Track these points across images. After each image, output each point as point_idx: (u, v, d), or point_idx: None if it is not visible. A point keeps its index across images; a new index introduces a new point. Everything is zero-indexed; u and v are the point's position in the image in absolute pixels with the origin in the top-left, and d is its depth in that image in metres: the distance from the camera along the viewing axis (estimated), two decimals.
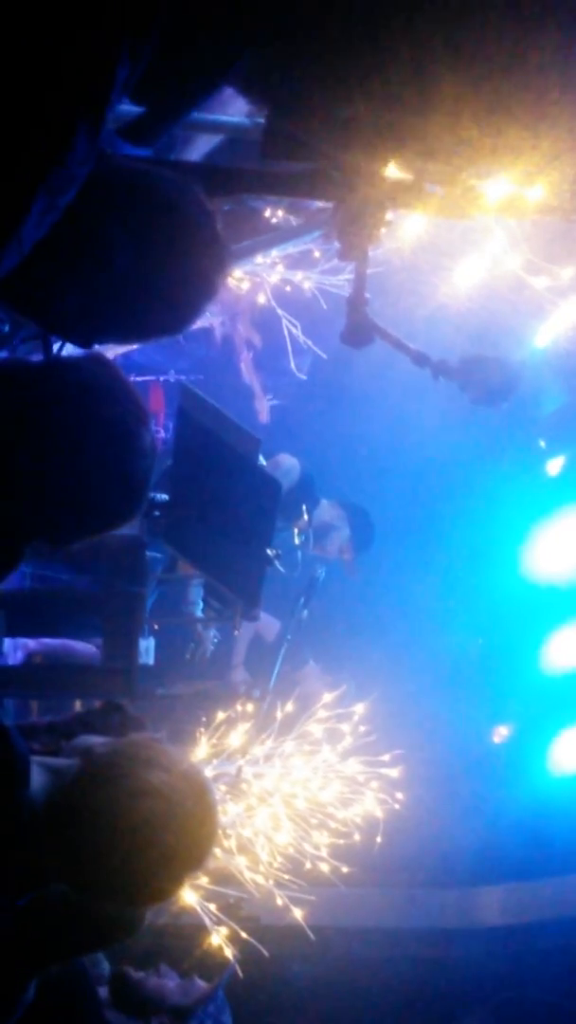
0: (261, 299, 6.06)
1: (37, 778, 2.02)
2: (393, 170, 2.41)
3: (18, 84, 1.44)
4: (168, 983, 3.25)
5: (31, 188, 1.51)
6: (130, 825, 2.01)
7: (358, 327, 2.64)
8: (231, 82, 1.90)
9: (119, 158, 1.93)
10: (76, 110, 1.52)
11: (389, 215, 2.57)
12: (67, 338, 2.15)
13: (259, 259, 5.56)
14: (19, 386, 2.02)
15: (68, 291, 1.93)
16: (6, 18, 1.42)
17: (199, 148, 3.42)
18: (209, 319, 6.07)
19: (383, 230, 2.59)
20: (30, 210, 1.51)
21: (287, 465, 5.82)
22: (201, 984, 3.27)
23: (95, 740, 2.17)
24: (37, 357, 2.29)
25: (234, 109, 2.89)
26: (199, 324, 2.57)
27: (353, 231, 2.55)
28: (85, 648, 4.99)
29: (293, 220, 5.00)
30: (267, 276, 5.96)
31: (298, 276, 5.90)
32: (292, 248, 5.39)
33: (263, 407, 6.56)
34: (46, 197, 1.53)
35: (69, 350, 2.21)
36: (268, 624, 5.89)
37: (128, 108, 1.86)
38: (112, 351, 5.25)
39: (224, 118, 2.95)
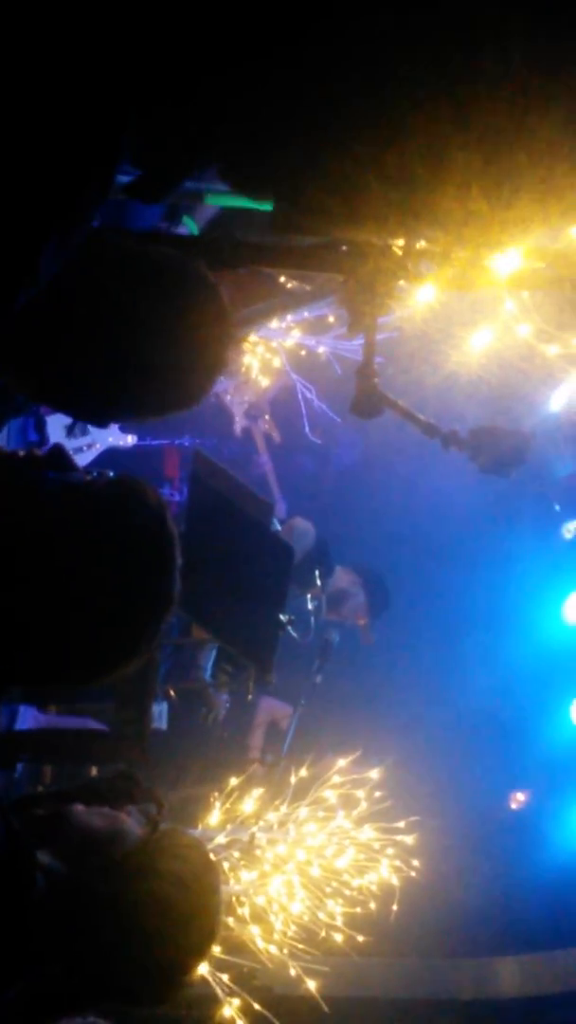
0: (276, 362, 6.10)
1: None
2: (402, 243, 2.44)
3: (42, 137, 1.57)
4: None
5: (46, 224, 1.62)
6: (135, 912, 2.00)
7: (367, 398, 2.65)
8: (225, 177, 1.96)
9: (124, 237, 1.96)
10: (88, 158, 1.64)
11: (400, 285, 2.58)
12: (80, 418, 2.16)
13: (274, 324, 5.61)
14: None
15: (80, 372, 1.94)
16: (37, 77, 1.55)
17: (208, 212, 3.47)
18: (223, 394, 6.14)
19: (393, 301, 2.60)
20: (47, 241, 1.62)
21: (301, 529, 5.80)
22: None
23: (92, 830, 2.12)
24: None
25: None
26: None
27: (363, 301, 2.56)
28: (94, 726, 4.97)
29: (307, 286, 5.04)
30: (281, 341, 6.00)
31: (312, 341, 5.93)
32: (307, 313, 5.43)
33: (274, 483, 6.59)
34: (58, 235, 1.63)
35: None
36: (281, 709, 5.83)
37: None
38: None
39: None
